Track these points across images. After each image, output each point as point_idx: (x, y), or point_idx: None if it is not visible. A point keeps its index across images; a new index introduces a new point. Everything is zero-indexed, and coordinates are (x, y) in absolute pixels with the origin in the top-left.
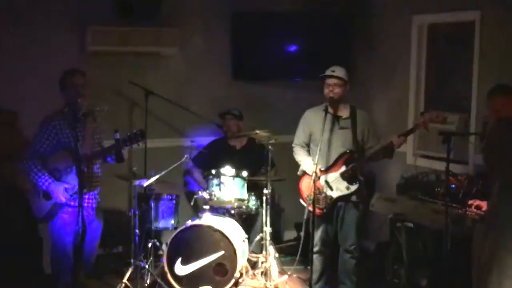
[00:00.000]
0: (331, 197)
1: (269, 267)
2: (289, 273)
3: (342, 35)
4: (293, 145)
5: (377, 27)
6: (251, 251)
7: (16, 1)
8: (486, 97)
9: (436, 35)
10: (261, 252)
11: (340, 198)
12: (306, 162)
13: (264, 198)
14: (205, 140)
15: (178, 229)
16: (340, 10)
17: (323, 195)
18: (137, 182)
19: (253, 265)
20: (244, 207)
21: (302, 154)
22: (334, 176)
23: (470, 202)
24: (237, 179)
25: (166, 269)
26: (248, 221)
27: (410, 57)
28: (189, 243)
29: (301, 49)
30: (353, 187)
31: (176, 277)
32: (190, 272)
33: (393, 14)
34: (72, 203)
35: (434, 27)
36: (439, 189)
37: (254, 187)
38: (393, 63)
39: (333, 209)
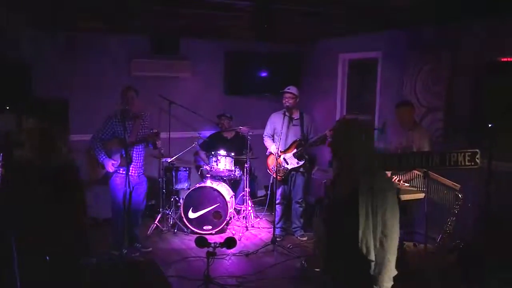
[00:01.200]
0: (287, 169)
1: (248, 213)
2: (260, 217)
3: (295, 66)
4: (263, 135)
5: (317, 61)
6: (237, 203)
7: (85, 43)
8: (395, 108)
9: (353, 66)
10: (243, 204)
11: (293, 169)
12: (272, 147)
13: (245, 169)
14: (207, 132)
15: (190, 189)
16: (294, 51)
17: (282, 167)
18: (163, 159)
19: (238, 212)
20: (232, 175)
21: (269, 141)
22: (289, 155)
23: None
24: (228, 158)
25: (182, 214)
26: (235, 184)
27: (337, 80)
28: (197, 198)
29: (269, 74)
30: (301, 162)
31: (189, 220)
32: (198, 216)
33: (327, 53)
34: (121, 171)
35: (352, 61)
36: None
37: (238, 163)
38: (327, 84)
39: (288, 176)
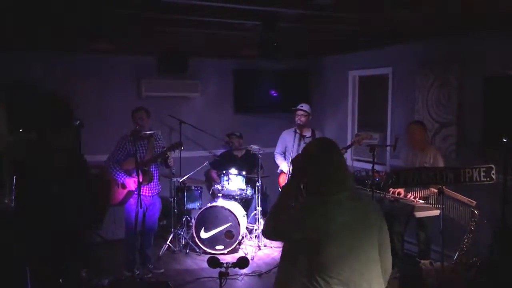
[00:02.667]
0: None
1: (260, 232)
2: None
3: (305, 83)
4: (274, 153)
5: (326, 79)
6: (249, 223)
7: (96, 66)
8: (406, 127)
9: (364, 83)
10: (255, 223)
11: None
12: (283, 165)
13: (257, 188)
14: (218, 151)
15: (202, 209)
16: (303, 69)
17: None
18: (174, 179)
19: (250, 231)
20: (243, 194)
21: (280, 159)
22: None
23: (391, 190)
24: (239, 176)
25: (194, 234)
26: (246, 203)
27: (348, 97)
28: (209, 218)
29: (278, 93)
30: None
31: (201, 240)
32: (210, 236)
33: (336, 70)
34: (135, 192)
35: (363, 78)
36: (368, 181)
37: (250, 181)
38: (337, 101)
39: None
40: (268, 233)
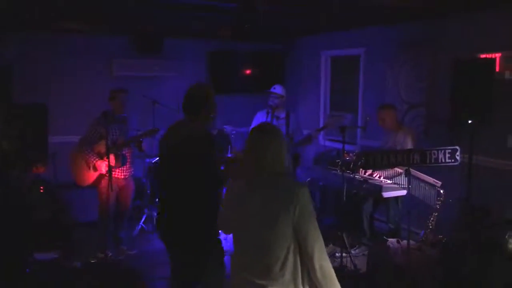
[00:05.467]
0: None
1: None
2: None
3: (279, 64)
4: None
5: (300, 59)
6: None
7: (66, 45)
8: (377, 110)
9: (336, 63)
10: None
11: None
12: None
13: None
14: None
15: None
16: (277, 49)
17: None
18: (147, 160)
19: None
20: None
21: None
22: None
23: (361, 170)
24: None
25: None
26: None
27: (320, 78)
28: None
29: (252, 73)
30: None
31: None
32: None
33: (310, 51)
34: (107, 175)
35: (335, 58)
36: (338, 161)
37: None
38: (310, 82)
39: None
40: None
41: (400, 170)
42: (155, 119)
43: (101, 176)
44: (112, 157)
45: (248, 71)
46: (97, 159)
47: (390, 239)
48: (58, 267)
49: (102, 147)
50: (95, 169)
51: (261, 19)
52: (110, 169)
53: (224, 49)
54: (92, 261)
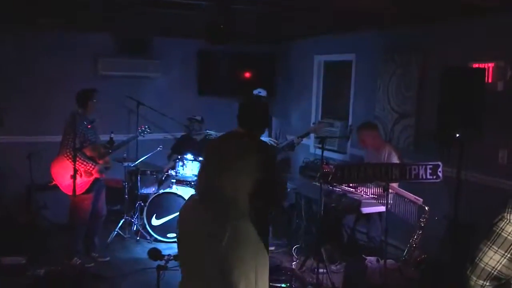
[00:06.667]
0: None
1: None
2: None
3: (270, 67)
4: None
5: (292, 63)
6: None
7: (51, 42)
8: (356, 130)
9: (328, 69)
10: None
11: None
12: None
13: None
14: (179, 134)
15: (153, 195)
16: (269, 53)
17: None
18: (125, 164)
19: None
20: None
21: None
22: None
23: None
24: (195, 162)
25: (145, 221)
26: None
27: (313, 82)
28: (161, 204)
29: (241, 76)
30: None
31: (152, 227)
32: (161, 224)
33: (302, 54)
34: (101, 179)
35: (327, 63)
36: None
37: None
38: (302, 87)
39: None
40: None
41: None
42: (139, 120)
43: (95, 181)
44: (108, 158)
45: (238, 73)
46: (91, 164)
47: (368, 258)
48: (21, 273)
49: (92, 151)
50: (89, 174)
51: (235, 19)
52: (75, 172)
53: (215, 49)
54: (57, 269)
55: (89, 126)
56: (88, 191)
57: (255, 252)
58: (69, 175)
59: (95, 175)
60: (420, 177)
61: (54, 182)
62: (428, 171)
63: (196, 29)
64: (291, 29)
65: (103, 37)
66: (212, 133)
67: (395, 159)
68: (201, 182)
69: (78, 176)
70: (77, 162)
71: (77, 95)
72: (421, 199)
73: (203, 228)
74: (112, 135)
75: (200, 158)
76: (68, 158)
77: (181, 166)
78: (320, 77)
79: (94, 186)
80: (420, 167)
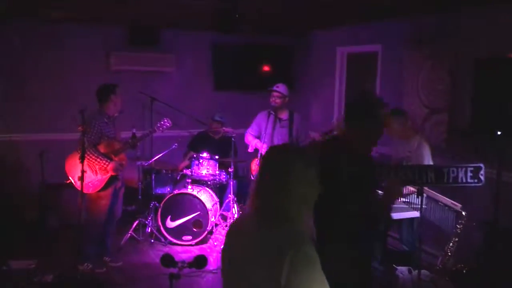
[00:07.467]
0: None
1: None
2: None
3: (288, 60)
4: (246, 131)
5: (313, 55)
6: (223, 210)
7: (62, 37)
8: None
9: (352, 60)
10: (229, 210)
11: None
12: (257, 142)
13: (230, 174)
14: (196, 131)
15: (168, 195)
16: (289, 44)
17: None
18: (138, 163)
19: (225, 218)
20: (216, 179)
21: (251, 138)
22: None
23: None
24: (211, 161)
25: (159, 223)
26: (222, 189)
27: (335, 76)
28: (175, 205)
29: (259, 69)
30: None
31: (167, 229)
32: (176, 226)
33: (323, 46)
34: (118, 177)
35: (351, 55)
36: None
37: (225, 166)
38: (323, 80)
39: None
40: None
41: (413, 189)
42: (153, 116)
43: (111, 179)
44: (123, 155)
45: (256, 67)
46: (106, 161)
47: (399, 268)
48: (28, 279)
49: (108, 147)
50: (105, 172)
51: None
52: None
53: (231, 41)
54: (66, 275)
55: (106, 121)
56: (103, 188)
57: None
58: (84, 172)
59: (110, 172)
60: (460, 180)
61: (69, 180)
62: (469, 174)
63: (207, 19)
64: (313, 19)
65: (115, 30)
66: (230, 131)
67: (426, 151)
68: None
69: (93, 174)
70: (91, 159)
71: (97, 90)
72: (460, 205)
73: None
74: (134, 130)
75: (216, 157)
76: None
77: (196, 165)
78: (343, 70)
79: (111, 184)
80: (460, 169)
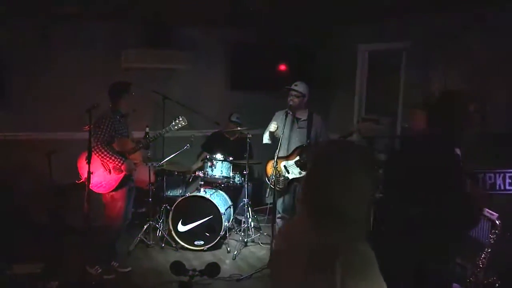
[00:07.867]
0: (287, 178)
1: (247, 225)
2: (261, 231)
3: (307, 59)
4: (264, 135)
5: (333, 53)
6: (237, 213)
7: (73, 34)
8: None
9: (374, 59)
10: (244, 214)
11: (294, 179)
12: (271, 126)
13: (245, 177)
14: (207, 131)
15: (179, 198)
16: (308, 42)
17: (282, 178)
18: (149, 164)
19: (239, 222)
20: (230, 182)
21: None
22: (291, 163)
23: None
24: (225, 163)
25: (170, 227)
26: (236, 192)
27: (356, 75)
28: (187, 209)
29: (276, 68)
30: (304, 172)
31: (178, 233)
32: (188, 230)
33: (344, 44)
34: (132, 176)
35: (373, 53)
36: None
37: (239, 168)
38: (343, 79)
39: (289, 186)
40: None
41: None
42: (165, 115)
43: (125, 178)
44: (137, 155)
45: (272, 66)
46: (120, 159)
47: None
48: (31, 285)
49: (122, 146)
50: (119, 170)
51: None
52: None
53: (249, 40)
54: (72, 281)
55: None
56: (117, 188)
57: None
58: (97, 172)
59: (124, 171)
60: (498, 187)
61: (81, 180)
62: (507, 180)
63: (221, 14)
64: (335, 15)
65: (126, 27)
66: (244, 131)
67: (456, 151)
68: None
69: (107, 173)
70: (105, 158)
71: (109, 89)
72: (496, 214)
73: None
74: (147, 129)
75: (230, 158)
76: (95, 152)
77: (209, 167)
78: (365, 69)
79: (125, 184)
80: (498, 175)
